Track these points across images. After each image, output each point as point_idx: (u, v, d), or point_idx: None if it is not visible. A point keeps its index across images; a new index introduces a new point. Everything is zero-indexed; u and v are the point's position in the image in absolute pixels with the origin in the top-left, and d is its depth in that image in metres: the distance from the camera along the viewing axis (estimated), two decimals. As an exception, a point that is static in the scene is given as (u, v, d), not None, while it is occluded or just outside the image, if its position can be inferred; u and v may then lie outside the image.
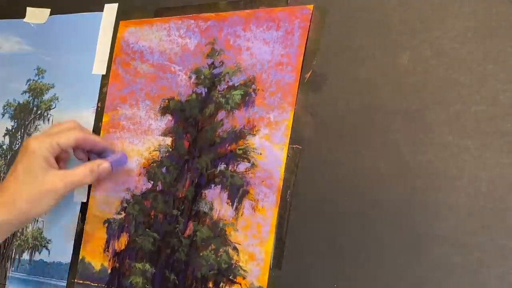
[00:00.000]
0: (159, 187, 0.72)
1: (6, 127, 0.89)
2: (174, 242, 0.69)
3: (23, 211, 0.66)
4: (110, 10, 0.82)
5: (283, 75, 0.65)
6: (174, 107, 0.73)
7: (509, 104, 0.54)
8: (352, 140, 0.60)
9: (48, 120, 0.85)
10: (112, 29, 0.80)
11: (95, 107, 0.80)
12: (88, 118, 0.80)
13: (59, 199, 0.68)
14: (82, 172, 0.69)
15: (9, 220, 0.66)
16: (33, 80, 0.88)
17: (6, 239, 0.84)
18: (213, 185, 0.67)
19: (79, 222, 0.78)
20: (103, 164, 0.71)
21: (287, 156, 0.63)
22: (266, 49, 0.67)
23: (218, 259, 0.65)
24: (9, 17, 0.91)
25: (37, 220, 0.82)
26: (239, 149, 0.66)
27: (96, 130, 0.79)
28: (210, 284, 0.65)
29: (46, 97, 0.86)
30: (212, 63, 0.71)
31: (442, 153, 0.56)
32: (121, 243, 0.73)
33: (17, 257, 0.83)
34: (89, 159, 0.75)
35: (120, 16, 0.80)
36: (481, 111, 0.55)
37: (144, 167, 0.73)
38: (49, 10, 0.88)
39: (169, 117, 0.73)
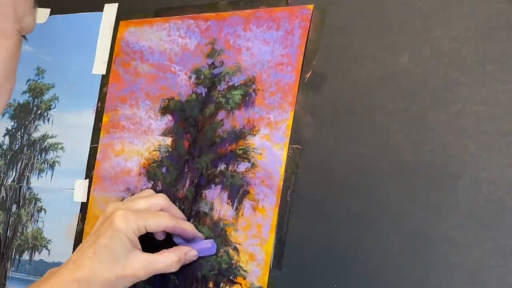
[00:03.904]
0: (159, 187, 0.72)
1: (6, 127, 0.89)
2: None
3: None
4: (110, 10, 0.81)
5: (283, 75, 0.65)
6: (174, 107, 0.73)
7: (509, 104, 0.53)
8: (352, 140, 0.60)
9: (48, 120, 0.85)
10: (112, 29, 0.80)
11: (95, 107, 0.80)
12: (88, 118, 0.80)
13: (135, 283, 0.64)
14: (168, 260, 0.64)
15: None
16: (33, 80, 0.88)
17: (6, 239, 0.84)
18: (213, 185, 0.67)
19: (79, 222, 0.78)
20: (191, 253, 0.65)
21: (287, 156, 0.63)
22: (266, 49, 0.67)
23: (219, 259, 0.65)
24: (9, 17, 0.91)
25: (37, 220, 0.82)
26: (239, 149, 0.66)
27: (96, 130, 0.79)
28: (211, 284, 0.65)
29: (46, 97, 0.86)
30: (212, 63, 0.71)
31: (442, 153, 0.55)
32: (121, 243, 0.73)
33: (17, 257, 0.83)
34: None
35: (120, 16, 0.80)
36: (481, 111, 0.55)
37: (144, 167, 0.73)
38: (49, 10, 0.88)
39: (169, 117, 0.73)
